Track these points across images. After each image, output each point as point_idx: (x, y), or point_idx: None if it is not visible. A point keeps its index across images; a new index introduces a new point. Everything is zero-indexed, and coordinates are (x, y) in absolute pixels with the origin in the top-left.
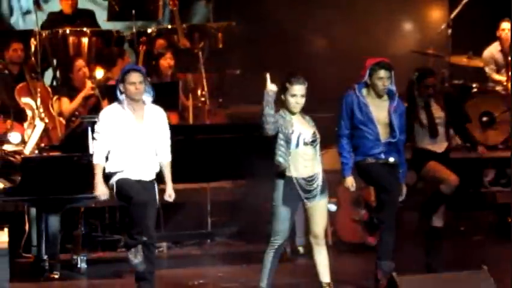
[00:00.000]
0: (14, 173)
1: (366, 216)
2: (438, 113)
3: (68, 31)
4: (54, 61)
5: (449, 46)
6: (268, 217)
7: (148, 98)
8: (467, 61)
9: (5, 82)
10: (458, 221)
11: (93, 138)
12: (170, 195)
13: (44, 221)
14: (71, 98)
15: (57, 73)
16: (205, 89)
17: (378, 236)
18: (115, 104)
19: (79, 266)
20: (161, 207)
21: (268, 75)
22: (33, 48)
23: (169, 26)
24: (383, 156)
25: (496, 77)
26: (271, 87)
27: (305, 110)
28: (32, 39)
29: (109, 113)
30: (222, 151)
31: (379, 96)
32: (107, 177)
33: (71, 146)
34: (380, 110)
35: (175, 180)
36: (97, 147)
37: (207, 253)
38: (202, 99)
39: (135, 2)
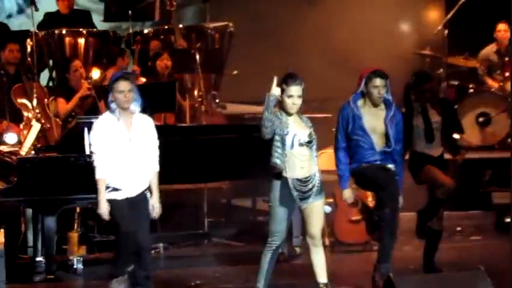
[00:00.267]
0: (10, 174)
1: (363, 216)
2: (434, 117)
3: (64, 31)
4: (51, 62)
5: (445, 47)
6: (265, 217)
7: (136, 107)
8: (464, 62)
9: (1, 83)
10: (455, 221)
11: (91, 153)
12: (154, 207)
13: (40, 222)
14: (68, 99)
15: (54, 74)
16: (202, 89)
17: (378, 237)
18: (108, 114)
19: (75, 267)
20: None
21: (276, 79)
22: (29, 49)
23: (166, 27)
24: (378, 162)
25: (487, 79)
26: (275, 91)
27: (303, 110)
28: (28, 40)
29: (103, 124)
30: (219, 152)
31: (375, 105)
32: None
33: (68, 146)
34: (376, 119)
35: (172, 180)
36: (98, 160)
37: (204, 254)
38: (199, 99)
39: (131, 2)
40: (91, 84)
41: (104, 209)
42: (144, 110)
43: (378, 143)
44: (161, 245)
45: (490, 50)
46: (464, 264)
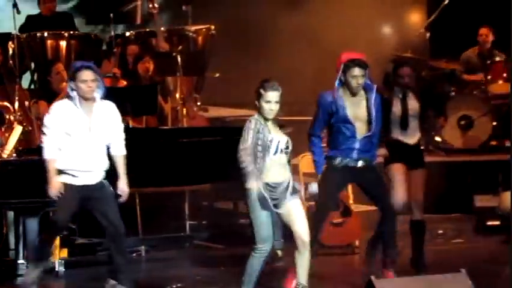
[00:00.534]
0: None
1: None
2: (412, 104)
3: (46, 34)
4: (32, 64)
5: (427, 50)
6: (247, 220)
7: (98, 95)
8: (446, 65)
9: None
10: (437, 224)
11: (42, 133)
12: (122, 190)
13: (22, 225)
14: (49, 102)
15: (36, 76)
16: (184, 92)
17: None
18: (66, 100)
19: (57, 269)
20: (139, 210)
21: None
22: (11, 51)
23: (148, 29)
24: (355, 155)
25: (465, 76)
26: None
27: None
28: (10, 43)
29: (60, 108)
30: (200, 154)
31: (354, 94)
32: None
33: None
34: (357, 107)
35: (154, 184)
36: (47, 142)
37: (185, 256)
38: (181, 102)
39: (113, 5)
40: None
41: (54, 190)
42: (125, 113)
43: (360, 130)
44: (142, 247)
45: (471, 52)
46: (445, 267)
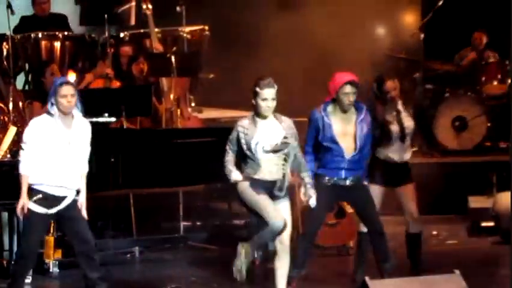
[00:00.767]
0: None
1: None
2: (408, 122)
3: (40, 35)
4: (27, 65)
5: (421, 51)
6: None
7: (76, 112)
8: (440, 65)
9: None
10: (431, 225)
11: (20, 148)
12: (82, 204)
13: (17, 226)
14: (43, 103)
15: (30, 77)
16: (178, 93)
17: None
18: (46, 116)
19: (51, 270)
20: (133, 211)
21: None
22: (5, 52)
23: (142, 30)
24: (342, 174)
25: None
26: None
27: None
28: (4, 43)
29: (39, 123)
30: (195, 155)
31: (344, 111)
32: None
33: None
34: (347, 123)
35: (148, 185)
36: (25, 156)
37: (180, 257)
38: (175, 103)
39: (107, 6)
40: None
41: (20, 207)
42: (119, 114)
43: (348, 150)
44: (136, 248)
45: (464, 53)
46: (439, 268)
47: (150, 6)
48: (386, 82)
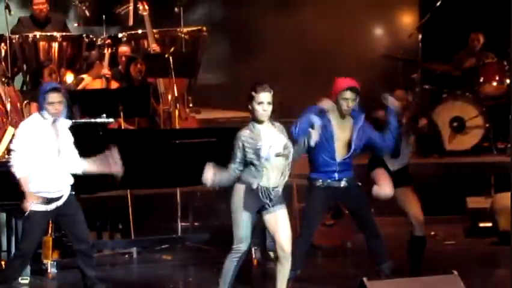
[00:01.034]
0: None
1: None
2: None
3: (38, 36)
4: (25, 66)
5: (419, 51)
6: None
7: (64, 118)
8: (438, 66)
9: None
10: (429, 225)
11: (12, 150)
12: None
13: (15, 226)
14: None
15: (28, 78)
16: (176, 93)
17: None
18: (39, 117)
19: (49, 271)
20: (131, 211)
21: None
22: (3, 53)
23: (140, 31)
24: (336, 176)
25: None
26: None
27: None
28: (2, 44)
29: (32, 126)
30: (193, 156)
31: (342, 116)
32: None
33: None
34: (342, 130)
35: (146, 185)
36: (18, 159)
37: (177, 258)
38: (173, 103)
39: (105, 7)
40: (65, 88)
41: (27, 203)
42: (117, 114)
43: (340, 152)
44: (134, 249)
45: (462, 54)
46: (437, 268)
47: (147, 7)
48: (395, 91)
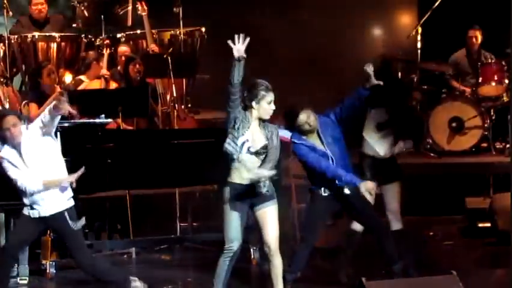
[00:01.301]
0: None
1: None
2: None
3: (37, 36)
4: (23, 66)
5: (418, 51)
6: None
7: (24, 130)
8: (436, 66)
9: None
10: (428, 226)
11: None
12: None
13: (13, 227)
14: (40, 104)
15: (26, 78)
16: (174, 94)
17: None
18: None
19: (48, 271)
20: (130, 212)
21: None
22: (2, 54)
23: (139, 31)
24: (338, 183)
25: (454, 83)
26: (241, 52)
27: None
28: (1, 45)
29: (5, 157)
30: (191, 156)
31: (312, 131)
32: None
33: None
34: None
35: (145, 185)
36: (21, 183)
37: (176, 258)
38: (171, 104)
39: (104, 7)
40: (63, 88)
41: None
42: (116, 115)
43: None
44: (133, 249)
45: (460, 54)
46: (436, 269)
47: (145, 8)
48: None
